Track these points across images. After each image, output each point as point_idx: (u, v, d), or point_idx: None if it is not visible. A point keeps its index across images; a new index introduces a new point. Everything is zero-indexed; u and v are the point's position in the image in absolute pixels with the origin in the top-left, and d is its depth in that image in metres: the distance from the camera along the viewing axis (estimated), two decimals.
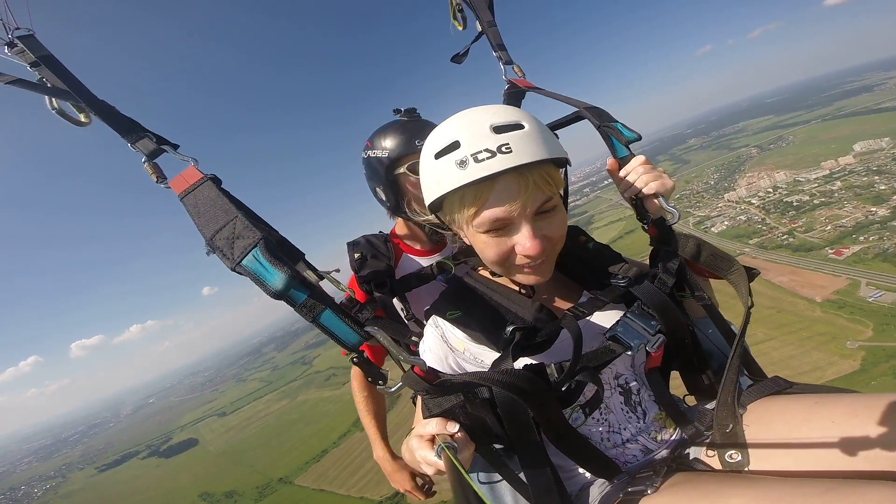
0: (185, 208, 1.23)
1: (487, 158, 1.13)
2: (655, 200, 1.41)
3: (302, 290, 1.10)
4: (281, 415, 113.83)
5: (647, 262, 1.50)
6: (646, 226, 1.48)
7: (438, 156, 1.22)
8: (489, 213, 1.19)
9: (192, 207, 1.22)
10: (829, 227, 64.51)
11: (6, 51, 1.43)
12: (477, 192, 1.18)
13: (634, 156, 1.50)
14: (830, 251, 58.49)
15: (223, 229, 1.16)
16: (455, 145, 1.18)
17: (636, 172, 1.45)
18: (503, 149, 1.13)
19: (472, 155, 1.14)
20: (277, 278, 1.08)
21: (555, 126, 1.75)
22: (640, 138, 1.52)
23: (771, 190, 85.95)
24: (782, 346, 45.19)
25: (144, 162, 1.34)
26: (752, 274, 1.34)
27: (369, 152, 2.21)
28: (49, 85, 1.41)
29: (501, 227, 1.23)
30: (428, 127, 1.99)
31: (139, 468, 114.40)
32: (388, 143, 2.14)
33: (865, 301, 47.65)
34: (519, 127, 1.18)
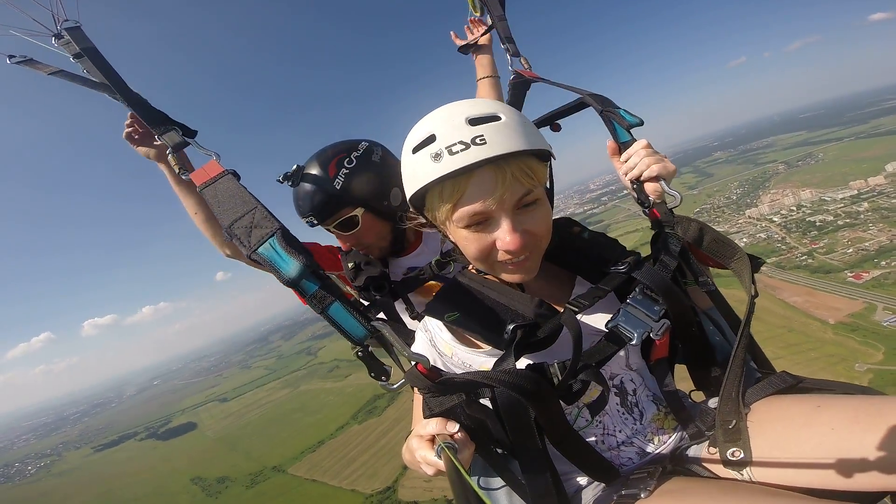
0: (204, 199, 1.31)
1: (461, 151, 1.10)
2: (657, 184, 1.40)
3: (314, 280, 1.14)
4: (282, 403, 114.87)
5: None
6: (646, 210, 1.46)
7: (416, 150, 1.19)
8: (467, 208, 1.15)
9: (211, 198, 1.29)
10: (850, 250, 62.76)
11: (53, 42, 1.52)
12: (454, 185, 1.14)
13: (636, 140, 1.49)
14: (850, 275, 56.98)
15: (242, 218, 1.22)
16: (431, 139, 1.15)
17: (638, 155, 1.44)
18: (477, 140, 1.10)
19: (446, 148, 1.11)
20: (292, 266, 1.12)
21: (558, 114, 1.77)
22: (641, 123, 1.51)
23: (794, 208, 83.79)
24: (789, 366, 39.31)
25: (169, 153, 1.46)
26: (756, 263, 1.31)
27: None
28: (89, 77, 1.49)
29: (481, 222, 1.18)
30: (302, 189, 2.08)
31: (135, 450, 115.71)
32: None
33: (880, 325, 46.56)
34: (495, 119, 1.14)
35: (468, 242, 1.22)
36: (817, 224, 74.01)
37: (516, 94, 2.02)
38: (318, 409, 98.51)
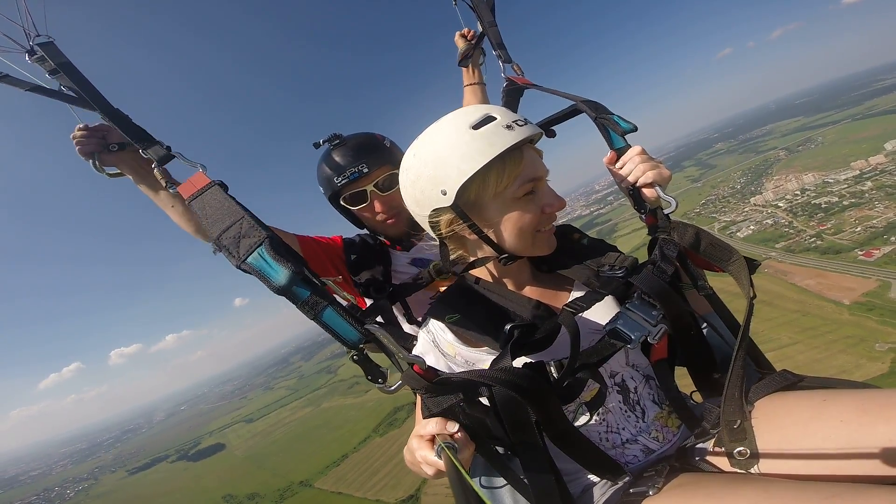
0: (193, 211, 1.29)
1: (525, 125, 1.28)
2: (653, 189, 1.41)
3: (305, 287, 1.12)
4: (305, 421, 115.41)
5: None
6: (643, 216, 1.49)
7: (477, 126, 1.26)
8: (529, 175, 1.29)
9: (199, 210, 1.27)
10: (858, 229, 62.25)
11: (27, 59, 1.50)
12: (516, 158, 1.28)
13: (631, 147, 1.51)
14: (860, 253, 56.43)
15: (230, 229, 1.20)
16: (491, 118, 1.27)
17: (633, 162, 1.46)
18: (526, 120, 1.31)
19: (513, 121, 1.27)
20: (281, 275, 1.11)
21: (553, 121, 1.81)
22: (636, 129, 1.53)
23: (799, 192, 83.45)
24: (807, 350, 43.81)
25: (154, 167, 1.43)
26: (752, 265, 1.31)
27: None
28: (67, 93, 1.49)
29: (529, 193, 1.31)
30: (354, 143, 2.16)
31: (168, 471, 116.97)
32: (320, 183, 2.25)
33: None
34: None
35: (525, 210, 1.32)
36: (823, 206, 73.58)
37: (509, 100, 2.05)
38: (340, 424, 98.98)
